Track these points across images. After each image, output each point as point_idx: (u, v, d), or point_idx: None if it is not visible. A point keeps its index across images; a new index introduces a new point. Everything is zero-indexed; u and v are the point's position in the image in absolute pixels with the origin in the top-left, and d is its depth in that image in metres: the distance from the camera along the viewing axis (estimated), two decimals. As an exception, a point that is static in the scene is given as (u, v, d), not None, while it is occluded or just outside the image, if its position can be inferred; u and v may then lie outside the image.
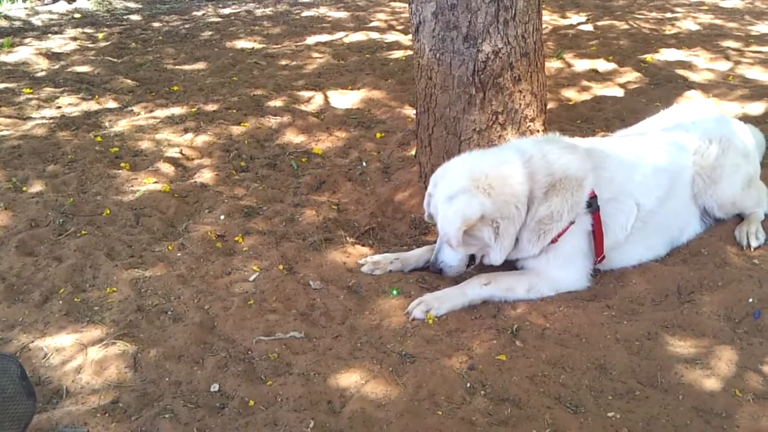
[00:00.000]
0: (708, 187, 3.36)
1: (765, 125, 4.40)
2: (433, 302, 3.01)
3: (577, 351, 2.69)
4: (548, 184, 3.00)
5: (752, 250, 3.23)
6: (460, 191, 2.95)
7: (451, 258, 3.11)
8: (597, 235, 3.09)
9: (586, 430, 2.29)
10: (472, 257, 3.16)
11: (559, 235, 3.05)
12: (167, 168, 4.41)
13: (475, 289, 3.09)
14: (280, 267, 3.35)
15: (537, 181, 3.00)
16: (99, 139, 4.84)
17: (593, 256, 3.15)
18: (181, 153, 4.64)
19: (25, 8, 9.64)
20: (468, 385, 2.51)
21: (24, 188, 4.11)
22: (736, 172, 3.37)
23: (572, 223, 3.05)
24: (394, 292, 3.12)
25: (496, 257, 3.05)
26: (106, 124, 5.21)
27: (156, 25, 8.77)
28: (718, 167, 3.35)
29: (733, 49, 6.46)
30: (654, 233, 3.27)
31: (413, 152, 4.39)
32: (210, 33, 8.21)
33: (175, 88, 6.04)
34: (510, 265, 3.23)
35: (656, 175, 3.25)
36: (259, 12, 9.43)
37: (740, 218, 3.45)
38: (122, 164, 4.44)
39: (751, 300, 2.87)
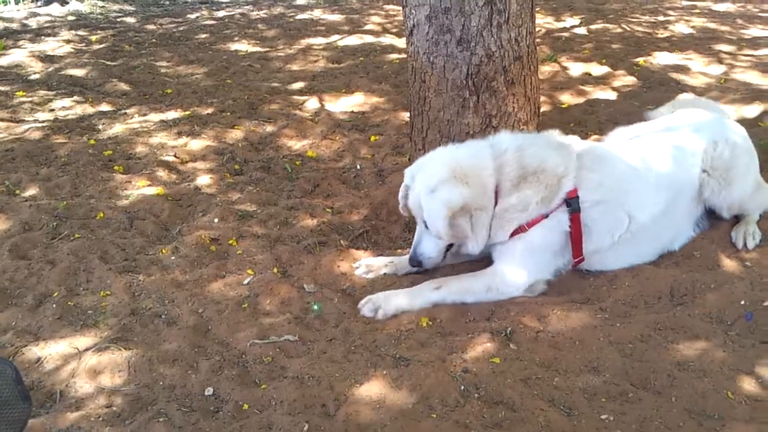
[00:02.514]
0: (722, 189, 3.35)
1: (758, 128, 4.43)
2: (380, 302, 3.06)
3: (571, 353, 2.70)
4: (518, 176, 3.05)
5: (749, 250, 3.25)
6: (440, 182, 3.00)
7: (431, 249, 3.14)
8: (575, 237, 3.10)
9: (579, 433, 2.30)
10: (447, 248, 3.19)
11: (530, 226, 3.08)
12: (161, 171, 4.40)
13: (424, 293, 3.10)
14: (275, 270, 3.35)
15: (505, 173, 3.06)
16: (92, 142, 4.83)
17: (567, 255, 3.16)
18: (174, 156, 4.64)
19: (18, 10, 9.61)
20: (462, 388, 2.51)
21: (17, 192, 4.10)
22: (748, 171, 3.40)
23: (545, 217, 3.07)
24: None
25: (473, 247, 3.10)
26: (100, 127, 5.20)
27: (150, 27, 8.76)
28: (732, 168, 3.34)
29: (726, 53, 6.49)
30: (644, 244, 3.27)
31: (407, 155, 4.40)
32: (204, 36, 8.20)
33: (169, 91, 6.03)
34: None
35: (658, 188, 3.22)
36: (253, 15, 9.43)
37: (735, 219, 3.47)
38: (116, 167, 4.43)
39: (743, 302, 2.88)
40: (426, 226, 3.10)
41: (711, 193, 3.37)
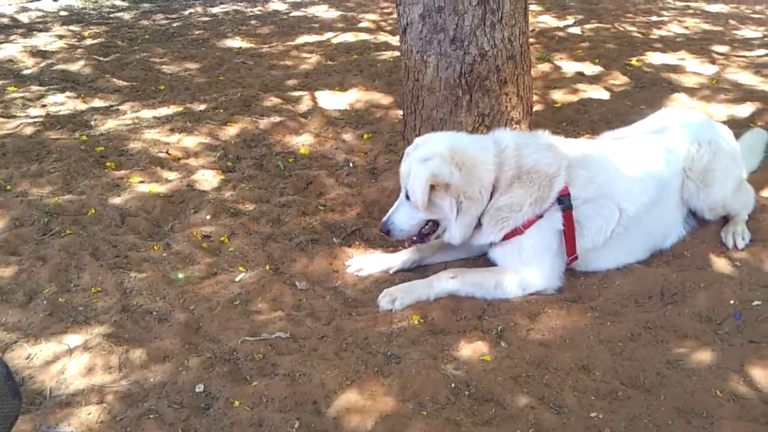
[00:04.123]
0: (700, 191, 3.39)
1: (749, 129, 4.45)
2: (397, 293, 3.07)
3: (561, 352, 2.71)
4: (514, 175, 3.09)
5: (739, 250, 3.28)
6: (436, 155, 3.04)
7: (404, 221, 3.15)
8: (568, 234, 3.12)
9: (568, 431, 2.31)
10: (426, 235, 3.20)
11: (525, 227, 3.09)
12: (153, 168, 4.39)
13: (441, 282, 3.13)
14: (267, 268, 3.35)
15: (504, 171, 3.09)
16: (85, 138, 4.82)
17: (564, 255, 3.18)
18: (167, 153, 4.63)
19: (10, 5, 9.56)
20: (453, 385, 2.52)
21: (8, 187, 4.08)
22: (727, 175, 3.41)
23: (540, 217, 3.09)
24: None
25: (454, 234, 3.13)
26: (92, 123, 5.19)
27: (143, 23, 8.73)
28: (710, 171, 3.37)
29: (719, 53, 6.52)
30: (636, 239, 3.29)
31: (400, 154, 4.40)
32: (198, 32, 8.18)
33: (162, 87, 6.02)
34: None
35: (644, 180, 3.26)
36: (248, 11, 9.41)
37: (724, 220, 3.49)
38: (108, 164, 4.42)
39: (732, 302, 2.90)
40: (407, 197, 3.13)
41: (689, 194, 3.41)
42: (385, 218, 3.20)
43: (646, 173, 3.27)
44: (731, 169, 3.44)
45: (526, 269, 3.13)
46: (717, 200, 3.40)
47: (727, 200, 3.42)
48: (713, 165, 3.37)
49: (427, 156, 3.05)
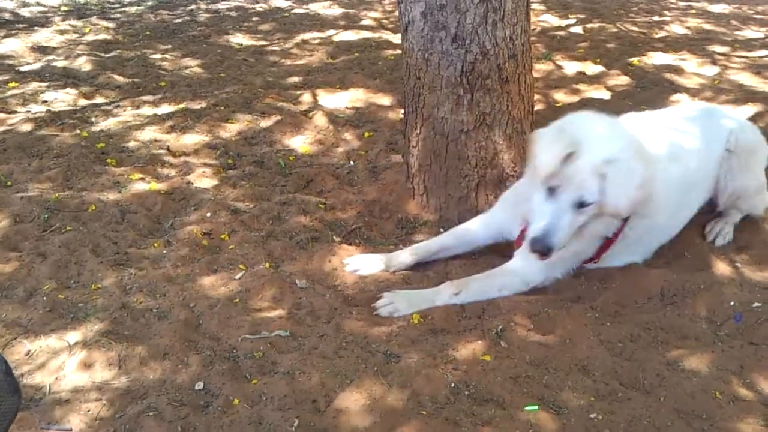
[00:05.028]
0: (738, 171, 3.35)
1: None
2: (398, 303, 3.04)
3: (561, 352, 2.71)
4: None
5: (715, 246, 3.33)
6: (623, 153, 2.73)
7: (569, 232, 2.78)
8: (608, 240, 3.07)
9: (568, 431, 2.31)
10: None
11: None
12: (153, 165, 4.39)
13: (444, 299, 3.07)
14: (267, 265, 3.35)
15: None
16: (85, 134, 4.81)
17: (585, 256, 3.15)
18: (167, 150, 4.62)
19: (11, 0, 9.54)
20: (452, 385, 2.52)
21: (8, 183, 4.08)
22: (761, 165, 3.44)
23: None
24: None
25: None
26: (93, 119, 5.18)
27: (145, 19, 8.72)
28: (753, 153, 3.38)
29: (720, 54, 6.51)
30: (648, 242, 3.27)
31: (401, 152, 4.40)
32: (200, 29, 8.17)
33: (163, 84, 6.01)
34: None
35: (676, 186, 3.15)
36: (250, 8, 9.39)
37: (718, 215, 3.51)
38: (108, 160, 4.41)
39: (732, 303, 2.91)
40: (582, 204, 2.74)
41: (728, 170, 3.36)
42: (541, 234, 2.73)
43: (682, 176, 3.18)
44: (763, 162, 3.47)
45: (531, 265, 3.07)
46: (742, 186, 3.38)
47: (749, 192, 3.42)
48: (755, 147, 3.40)
49: (610, 156, 2.69)
